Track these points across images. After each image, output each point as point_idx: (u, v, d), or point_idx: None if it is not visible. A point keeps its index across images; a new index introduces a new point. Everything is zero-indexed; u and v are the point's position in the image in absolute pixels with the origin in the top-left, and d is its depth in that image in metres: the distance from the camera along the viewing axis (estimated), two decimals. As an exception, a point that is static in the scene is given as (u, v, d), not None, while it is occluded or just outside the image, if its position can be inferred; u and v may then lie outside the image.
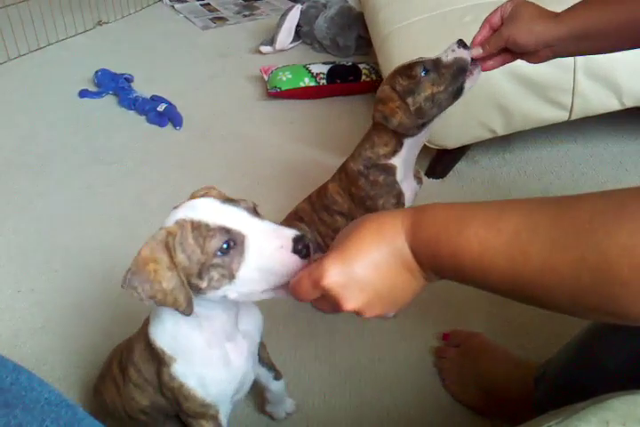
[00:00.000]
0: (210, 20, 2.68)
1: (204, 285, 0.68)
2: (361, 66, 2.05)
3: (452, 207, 0.59)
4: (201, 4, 2.83)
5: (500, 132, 1.49)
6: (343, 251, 0.61)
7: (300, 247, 0.66)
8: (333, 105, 2.02)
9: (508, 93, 1.40)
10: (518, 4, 0.93)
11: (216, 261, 0.66)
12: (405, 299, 0.63)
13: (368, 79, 2.03)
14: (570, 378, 0.91)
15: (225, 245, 0.65)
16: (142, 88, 2.07)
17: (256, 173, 1.70)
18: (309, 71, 2.02)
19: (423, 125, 1.09)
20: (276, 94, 2.02)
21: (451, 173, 1.65)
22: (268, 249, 0.66)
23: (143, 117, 1.96)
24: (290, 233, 0.66)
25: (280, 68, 2.06)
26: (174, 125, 1.91)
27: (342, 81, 2.02)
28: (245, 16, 2.72)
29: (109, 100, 2.05)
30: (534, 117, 1.46)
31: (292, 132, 1.89)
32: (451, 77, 1.03)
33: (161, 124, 1.92)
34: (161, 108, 1.93)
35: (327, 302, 0.62)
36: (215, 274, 0.67)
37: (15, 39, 2.25)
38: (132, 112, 1.99)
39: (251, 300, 0.72)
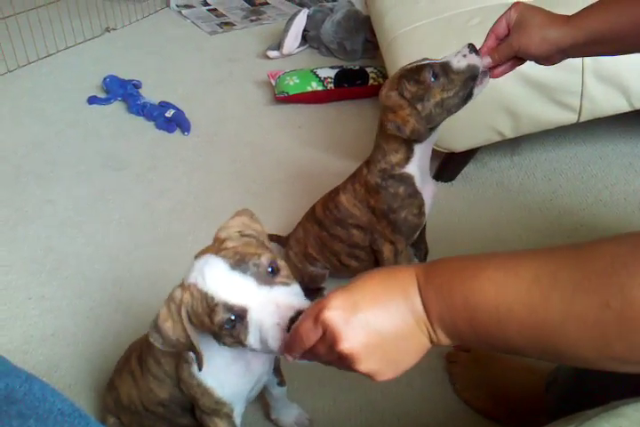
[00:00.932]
0: (217, 25, 2.69)
1: (221, 344, 0.74)
2: (368, 69, 2.05)
3: (467, 256, 0.57)
4: (208, 10, 2.84)
5: (509, 134, 1.48)
6: (348, 287, 0.58)
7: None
8: (341, 109, 2.02)
9: (516, 96, 1.40)
10: (524, 10, 0.89)
11: (225, 332, 0.70)
12: (407, 358, 0.58)
13: (376, 83, 2.03)
14: (581, 384, 0.90)
15: (232, 317, 0.68)
16: (150, 94, 2.08)
17: (264, 178, 1.70)
18: (317, 75, 2.02)
19: (432, 129, 1.08)
20: (283, 99, 2.02)
21: (459, 176, 1.64)
22: (266, 324, 0.68)
23: (152, 123, 1.96)
24: (288, 313, 0.66)
25: (287, 73, 2.06)
26: (182, 131, 1.91)
27: (350, 85, 2.02)
28: (252, 21, 2.72)
29: (118, 107, 2.06)
30: (543, 120, 1.45)
31: (300, 137, 1.89)
32: (461, 84, 1.02)
33: (169, 130, 1.92)
34: (169, 113, 1.94)
35: (324, 343, 0.58)
36: (227, 340, 0.72)
37: (24, 46, 2.26)
38: (140, 118, 1.99)
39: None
